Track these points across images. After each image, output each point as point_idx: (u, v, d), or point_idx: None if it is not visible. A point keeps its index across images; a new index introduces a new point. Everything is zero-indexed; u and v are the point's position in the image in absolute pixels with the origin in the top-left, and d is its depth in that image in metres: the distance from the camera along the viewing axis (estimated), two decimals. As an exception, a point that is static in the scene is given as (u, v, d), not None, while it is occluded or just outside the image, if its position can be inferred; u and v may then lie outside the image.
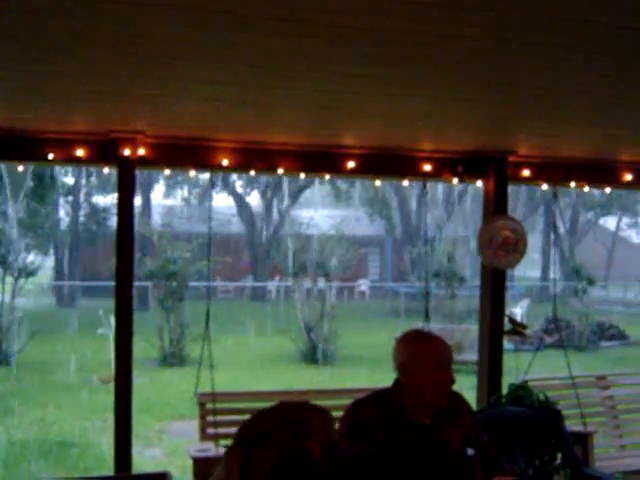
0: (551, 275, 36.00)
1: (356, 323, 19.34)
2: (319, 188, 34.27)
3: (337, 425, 3.23)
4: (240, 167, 5.35)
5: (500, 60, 3.78)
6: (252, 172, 5.58)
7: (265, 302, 27.44)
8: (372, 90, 4.20)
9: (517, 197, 31.88)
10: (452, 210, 30.69)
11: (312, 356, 15.81)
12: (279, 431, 1.48)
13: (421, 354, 3.08)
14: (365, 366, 14.48)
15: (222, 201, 34.68)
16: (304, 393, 6.08)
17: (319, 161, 5.37)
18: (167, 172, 6.25)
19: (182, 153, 5.22)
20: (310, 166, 5.38)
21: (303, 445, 1.44)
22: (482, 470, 3.09)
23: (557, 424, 4.49)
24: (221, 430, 5.49)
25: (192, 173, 5.71)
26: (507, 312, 16.68)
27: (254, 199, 34.13)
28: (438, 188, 29.00)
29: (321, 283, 16.78)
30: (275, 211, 32.12)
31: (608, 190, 6.55)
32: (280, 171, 5.26)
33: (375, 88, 4.16)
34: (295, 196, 31.74)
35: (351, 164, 5.29)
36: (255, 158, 5.29)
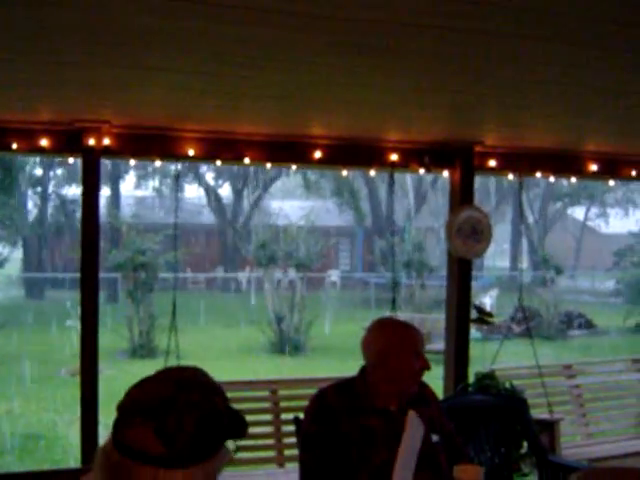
0: (506, 264, 36.38)
1: (327, 313, 19.37)
2: (289, 179, 34.26)
3: (303, 414, 3.24)
4: (207, 157, 5.32)
5: (464, 51, 3.78)
6: (218, 162, 5.56)
7: (236, 293, 27.41)
8: (339, 80, 4.20)
9: (487, 187, 32.11)
10: (422, 201, 30.82)
11: (282, 346, 15.83)
12: (185, 393, 1.50)
13: (400, 341, 3.10)
14: (335, 356, 14.52)
15: (193, 192, 34.56)
16: (271, 382, 6.07)
17: (286, 151, 5.36)
18: (132, 162, 6.18)
19: (148, 143, 5.18)
20: (277, 156, 5.37)
21: (213, 400, 1.48)
22: (447, 457, 3.12)
23: (522, 412, 4.52)
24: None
25: (158, 163, 5.66)
26: (476, 302, 16.82)
27: (225, 190, 34.05)
28: (408, 179, 29.12)
29: (291, 274, 16.79)
30: (246, 202, 32.07)
31: (574, 180, 6.60)
32: (247, 161, 5.25)
33: (342, 78, 4.16)
34: (266, 187, 31.70)
35: (318, 154, 5.28)
36: (222, 148, 5.26)
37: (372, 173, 5.92)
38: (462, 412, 4.29)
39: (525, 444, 5.03)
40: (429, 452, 3.05)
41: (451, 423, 3.39)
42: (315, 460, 2.99)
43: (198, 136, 5.16)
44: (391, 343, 3.10)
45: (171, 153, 5.20)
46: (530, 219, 36.07)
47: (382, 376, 3.08)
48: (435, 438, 3.13)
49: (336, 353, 14.83)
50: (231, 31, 3.33)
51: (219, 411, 1.54)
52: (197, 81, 4.15)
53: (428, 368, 3.08)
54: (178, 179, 5.49)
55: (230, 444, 1.62)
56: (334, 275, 31.44)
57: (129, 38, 3.22)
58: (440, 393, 5.50)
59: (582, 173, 6.18)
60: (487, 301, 22.11)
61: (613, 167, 6.23)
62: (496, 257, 38.37)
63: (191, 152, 5.13)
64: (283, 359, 15.09)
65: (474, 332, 16.25)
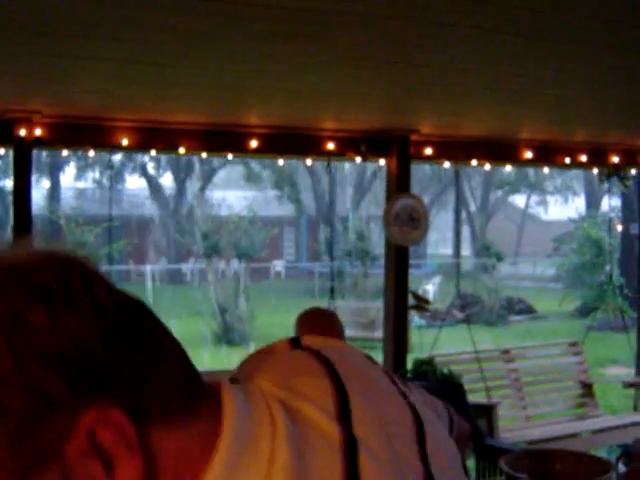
0: (447, 251, 36.77)
1: (271, 303, 19.34)
2: (233, 169, 34.09)
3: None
4: (141, 147, 5.27)
5: (397, 38, 3.80)
6: (153, 152, 5.51)
7: (181, 284, 27.20)
8: (274, 69, 4.18)
9: (429, 175, 32.37)
10: (366, 189, 30.95)
11: (227, 337, 15.77)
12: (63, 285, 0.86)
13: (308, 329, 3.12)
14: (280, 346, 14.48)
15: (135, 183, 34.16)
16: (211, 374, 6.04)
17: (222, 140, 5.32)
18: (65, 153, 6.08)
19: (80, 133, 5.09)
20: (213, 145, 5.33)
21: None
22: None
23: (458, 397, 4.58)
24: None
25: (91, 153, 5.58)
26: (419, 289, 16.92)
27: (167, 180, 33.72)
28: (351, 168, 29.20)
29: (235, 264, 16.73)
30: (188, 192, 31.81)
31: (509, 168, 6.69)
32: (182, 150, 5.20)
33: (277, 67, 4.14)
34: (209, 177, 31.48)
35: (254, 143, 5.26)
36: (156, 138, 5.20)
37: (309, 162, 5.91)
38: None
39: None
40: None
41: None
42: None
43: (132, 125, 5.09)
44: (302, 333, 3.12)
45: (105, 143, 5.12)
46: (472, 207, 36.50)
47: None
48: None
49: (281, 343, 14.79)
50: (163, 19, 3.29)
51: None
52: (130, 70, 4.10)
53: None
54: (112, 169, 5.39)
55: None
56: (279, 265, 31.41)
57: (60, 27, 3.16)
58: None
59: (517, 160, 6.27)
60: (430, 288, 22.33)
61: (548, 154, 6.33)
62: (439, 244, 38.78)
63: (125, 142, 5.06)
64: (228, 349, 15.04)
65: (417, 319, 16.48)
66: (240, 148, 5.33)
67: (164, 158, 29.18)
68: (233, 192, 32.41)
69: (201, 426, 0.82)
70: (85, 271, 0.83)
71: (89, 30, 3.29)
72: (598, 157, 6.52)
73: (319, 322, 3.15)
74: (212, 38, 3.60)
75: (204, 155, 5.53)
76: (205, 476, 0.78)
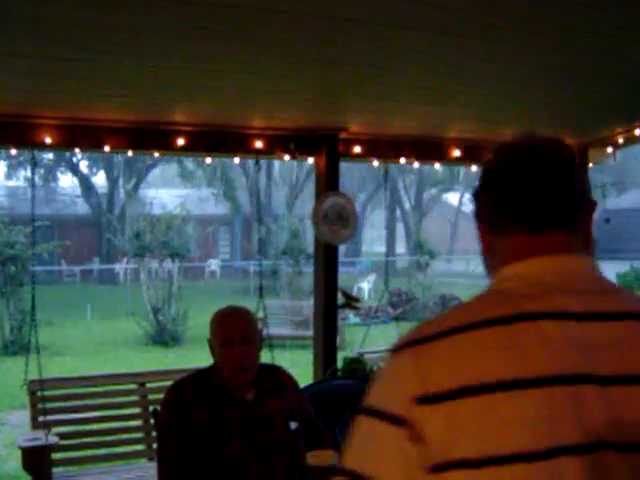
0: (381, 249, 37.08)
1: (206, 303, 19.15)
2: (167, 167, 33.79)
3: (160, 405, 3.19)
4: (65, 145, 5.14)
5: (324, 37, 3.79)
6: (77, 150, 5.39)
7: (114, 285, 26.85)
8: (200, 66, 4.14)
9: (365, 174, 32.56)
10: (300, 188, 30.97)
11: (160, 338, 15.61)
12: None
13: (215, 330, 3.12)
14: (214, 346, 14.39)
15: (68, 182, 33.62)
16: (139, 375, 5.96)
17: (148, 138, 5.23)
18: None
19: (1, 131, 4.96)
20: (139, 143, 5.24)
21: None
22: (309, 444, 3.12)
23: (387, 394, 4.59)
24: (52, 417, 5.32)
25: (13, 152, 5.44)
26: (354, 287, 16.91)
27: (100, 179, 33.25)
28: (286, 166, 29.21)
29: (169, 264, 16.55)
30: (122, 191, 31.41)
31: (437, 166, 6.75)
32: (107, 149, 5.10)
33: (203, 64, 4.11)
34: (142, 176, 31.13)
35: (181, 141, 5.18)
36: (81, 135, 5.09)
37: (237, 160, 5.87)
38: (326, 397, 4.31)
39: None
40: (287, 439, 3.06)
41: (312, 409, 3.40)
42: (170, 452, 2.95)
43: (55, 123, 4.97)
44: (212, 334, 3.13)
45: (27, 141, 4.99)
46: (407, 205, 36.84)
47: (218, 366, 3.09)
48: (294, 426, 3.13)
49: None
50: (86, 16, 3.23)
51: None
52: (51, 67, 4.01)
53: (241, 359, 3.04)
54: (34, 168, 5.26)
55: None
56: (213, 264, 31.25)
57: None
58: (310, 379, 5.54)
59: (445, 159, 6.32)
60: (365, 286, 22.49)
61: (476, 153, 6.39)
62: (374, 242, 39.03)
63: (48, 140, 4.94)
64: (162, 350, 14.89)
65: (352, 317, 16.55)
66: (167, 146, 5.25)
67: (98, 156, 28.79)
68: (167, 190, 32.10)
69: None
70: None
71: (5, 25, 3.21)
72: (525, 155, 6.60)
73: (235, 321, 3.13)
74: (134, 34, 3.54)
75: (130, 153, 5.45)
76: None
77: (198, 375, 3.18)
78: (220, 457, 2.93)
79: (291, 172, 30.95)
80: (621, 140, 6.41)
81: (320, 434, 3.33)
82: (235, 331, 3.07)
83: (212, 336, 3.14)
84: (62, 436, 5.26)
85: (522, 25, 3.68)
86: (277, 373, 3.30)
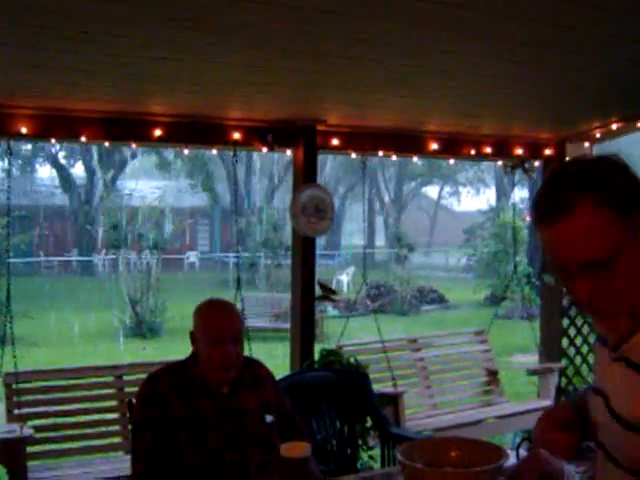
0: (360, 242, 37.14)
1: (185, 295, 19.11)
2: (146, 159, 33.60)
3: (135, 398, 3.17)
4: (40, 135, 5.09)
5: (301, 29, 3.79)
6: (53, 140, 5.35)
7: (92, 276, 26.70)
8: (177, 56, 4.12)
9: (345, 166, 32.55)
10: (281, 181, 30.92)
11: (138, 330, 15.55)
12: None
13: (202, 325, 3.07)
14: (192, 337, 14.34)
15: (46, 172, 33.37)
16: (116, 368, 5.92)
17: (125, 129, 5.19)
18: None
19: (-25, 121, 4.92)
20: (115, 134, 5.20)
21: None
22: (285, 436, 3.11)
23: (364, 387, 4.60)
24: (27, 410, 5.29)
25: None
26: (334, 280, 16.86)
27: (79, 169, 33.00)
28: (268, 159, 29.13)
29: (147, 255, 16.49)
30: (100, 182, 31.19)
31: (415, 159, 6.76)
32: (83, 139, 5.06)
33: (180, 54, 4.08)
34: (121, 167, 30.95)
35: (158, 132, 5.16)
36: (57, 126, 5.04)
37: (214, 151, 5.85)
38: (303, 389, 4.31)
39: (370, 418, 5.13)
40: (262, 432, 3.05)
41: (288, 401, 3.40)
42: (145, 444, 2.93)
43: (31, 113, 4.92)
44: (197, 328, 3.08)
45: (2, 131, 4.92)
46: (386, 198, 36.90)
47: (201, 359, 3.06)
48: (269, 419, 3.12)
49: (193, 335, 14.65)
50: (60, 5, 3.21)
51: None
52: (25, 56, 3.97)
53: (230, 357, 3.02)
54: (10, 158, 5.20)
55: None
56: (192, 256, 31.17)
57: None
58: (287, 371, 5.54)
59: (423, 152, 6.34)
60: (344, 279, 22.51)
61: (453, 146, 6.41)
62: (354, 235, 39.05)
63: (24, 130, 4.89)
64: (139, 342, 14.83)
65: (331, 310, 16.56)
66: (144, 137, 5.22)
67: (76, 147, 28.58)
68: (146, 182, 31.92)
69: None
70: None
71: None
72: (503, 149, 6.64)
73: (225, 319, 3.10)
74: (111, 23, 3.52)
75: (106, 144, 5.41)
76: None
77: (173, 367, 3.15)
78: (194, 449, 2.91)
79: (271, 164, 30.88)
80: (598, 135, 6.46)
81: (296, 426, 3.33)
82: (225, 330, 3.02)
83: (198, 331, 3.07)
84: (38, 429, 5.22)
85: (499, 19, 3.69)
86: (255, 366, 3.28)
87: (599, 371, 1.85)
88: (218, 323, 3.04)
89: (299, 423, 3.40)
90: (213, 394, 3.03)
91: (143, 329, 15.51)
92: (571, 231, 1.57)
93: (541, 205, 1.64)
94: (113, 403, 5.72)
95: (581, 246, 1.57)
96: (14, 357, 5.26)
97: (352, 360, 5.79)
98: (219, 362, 2.99)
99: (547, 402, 6.57)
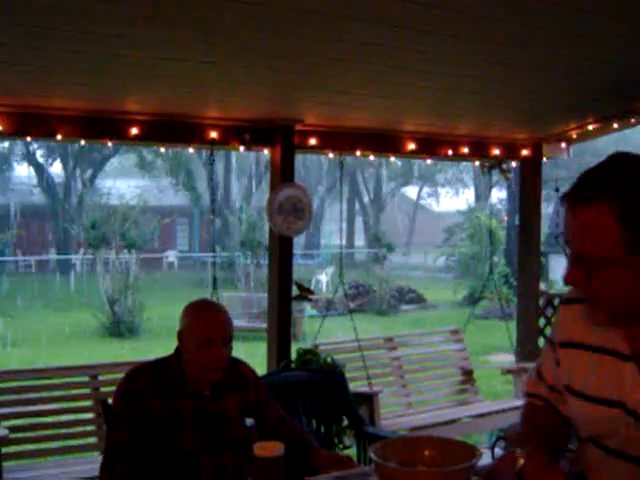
0: (339, 242, 37.19)
1: (163, 294, 19.09)
2: (125, 157, 33.42)
3: (114, 394, 3.14)
4: (15, 133, 5.03)
5: (277, 28, 3.79)
6: (28, 138, 5.31)
7: (70, 276, 26.52)
8: (154, 54, 4.11)
9: (324, 166, 32.51)
10: (259, 180, 30.86)
11: (116, 329, 15.47)
12: None
13: (193, 326, 3.03)
14: (170, 337, 14.17)
15: (24, 171, 33.08)
16: (90, 367, 5.89)
17: (101, 127, 5.16)
18: None
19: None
20: (91, 132, 5.17)
21: None
22: (276, 439, 3.08)
23: (339, 386, 4.60)
24: (2, 410, 5.25)
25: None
26: (313, 279, 16.87)
27: (57, 168, 32.77)
28: (247, 158, 29.06)
29: (126, 255, 16.41)
30: (79, 180, 30.98)
31: (393, 159, 6.78)
32: (59, 137, 5.03)
33: (156, 52, 4.07)
34: (100, 166, 30.78)
35: (134, 130, 5.13)
36: (32, 124, 4.99)
37: (191, 150, 5.83)
38: (278, 389, 4.29)
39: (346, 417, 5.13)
40: (241, 436, 3.02)
41: (276, 404, 3.36)
42: (119, 440, 2.91)
43: (5, 110, 4.87)
44: (186, 328, 3.05)
45: (-26, 130, 4.89)
46: (366, 198, 36.92)
47: (184, 360, 3.03)
48: (250, 422, 3.08)
49: (172, 334, 14.53)
50: (36, 1, 3.19)
51: None
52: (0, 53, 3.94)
53: (220, 359, 3.00)
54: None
55: None
56: (171, 255, 31.05)
57: None
58: (264, 370, 5.53)
59: (400, 152, 6.35)
60: (323, 278, 22.50)
61: (430, 146, 6.43)
62: (334, 235, 39.02)
63: (-1, 128, 4.86)
64: (118, 342, 14.77)
65: (309, 309, 16.55)
66: (120, 135, 5.19)
67: (54, 146, 28.39)
68: (125, 181, 31.72)
69: None
70: None
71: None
72: (480, 149, 6.67)
73: (216, 320, 3.07)
74: (87, 20, 3.51)
75: (82, 142, 5.38)
76: None
77: (155, 365, 3.12)
78: (170, 450, 2.90)
79: (250, 164, 30.81)
80: (574, 135, 6.50)
81: (295, 429, 3.31)
82: (217, 331, 2.99)
83: (186, 331, 3.04)
84: (13, 429, 5.18)
85: (476, 20, 3.71)
86: (239, 366, 3.25)
87: (612, 381, 1.82)
88: (210, 324, 3.01)
89: (296, 426, 3.40)
90: (193, 395, 3.01)
91: (121, 329, 15.43)
92: (582, 220, 1.63)
93: (576, 182, 1.69)
94: (88, 403, 5.69)
95: (579, 238, 1.65)
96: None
97: (329, 359, 5.80)
98: (207, 364, 2.96)
99: (522, 402, 6.59)
